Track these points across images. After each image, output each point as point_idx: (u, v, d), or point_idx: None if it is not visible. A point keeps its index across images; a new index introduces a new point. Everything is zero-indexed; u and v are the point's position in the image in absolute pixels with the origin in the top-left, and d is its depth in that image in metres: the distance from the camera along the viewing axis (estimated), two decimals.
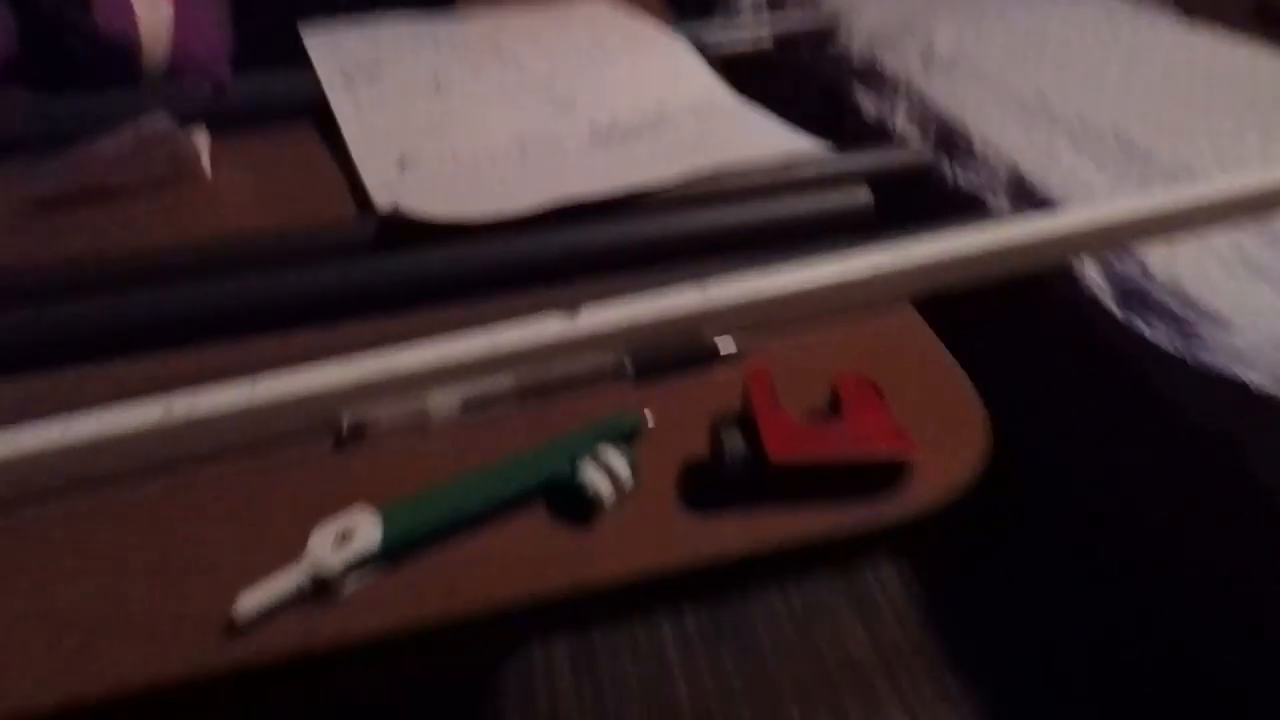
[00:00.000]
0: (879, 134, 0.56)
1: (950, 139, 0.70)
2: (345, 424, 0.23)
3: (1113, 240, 0.34)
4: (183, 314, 0.30)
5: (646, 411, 0.23)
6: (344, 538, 0.20)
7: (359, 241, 0.31)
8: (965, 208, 0.75)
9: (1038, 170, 0.71)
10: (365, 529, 0.20)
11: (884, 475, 0.22)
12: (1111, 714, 0.83)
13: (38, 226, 0.35)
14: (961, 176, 0.77)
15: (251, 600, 0.19)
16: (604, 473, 0.21)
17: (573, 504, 0.21)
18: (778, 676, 0.90)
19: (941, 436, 0.24)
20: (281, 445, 0.23)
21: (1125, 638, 0.91)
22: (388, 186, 0.35)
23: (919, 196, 0.36)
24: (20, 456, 0.21)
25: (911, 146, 0.36)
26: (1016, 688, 0.86)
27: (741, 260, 0.31)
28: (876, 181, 0.34)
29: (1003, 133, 0.69)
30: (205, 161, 0.38)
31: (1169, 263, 0.61)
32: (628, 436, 0.23)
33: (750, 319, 0.26)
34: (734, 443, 0.22)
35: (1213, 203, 0.31)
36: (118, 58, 0.43)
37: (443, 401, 0.24)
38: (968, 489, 0.23)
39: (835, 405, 0.24)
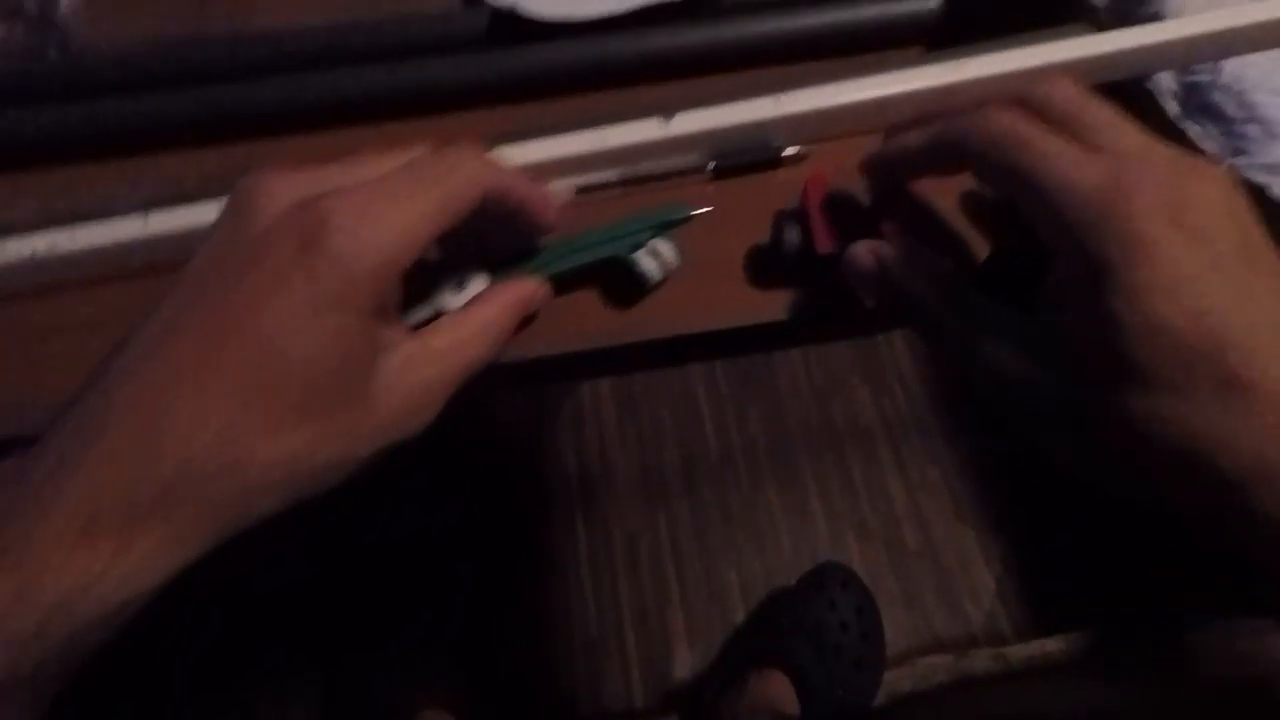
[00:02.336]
0: None
1: None
2: None
3: (1201, 54, 0.35)
4: (313, 99, 0.35)
5: (696, 210, 0.29)
6: (460, 284, 0.26)
7: (472, 33, 0.35)
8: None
9: None
10: (476, 280, 0.26)
11: None
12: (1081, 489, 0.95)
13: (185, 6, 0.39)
14: None
15: (406, 320, 0.25)
16: (653, 256, 0.27)
17: (628, 280, 0.28)
18: (794, 433, 1.03)
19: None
20: None
21: None
22: None
23: None
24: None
25: None
26: (998, 455, 0.98)
27: (812, 64, 0.35)
28: None
29: None
30: None
31: (1240, 66, 0.60)
32: (675, 226, 0.28)
33: (817, 129, 0.31)
34: (791, 234, 0.28)
35: None
36: None
37: (561, 187, 0.30)
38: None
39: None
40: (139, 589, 0.19)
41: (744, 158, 0.31)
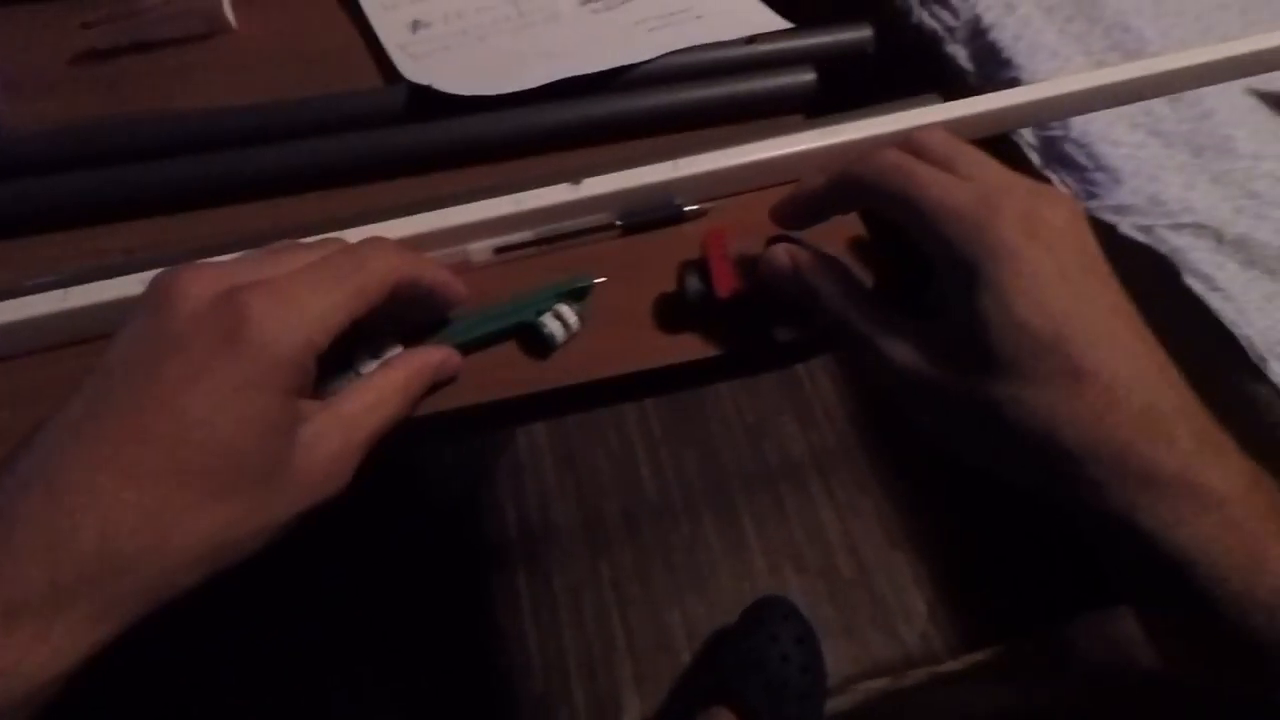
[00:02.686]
0: None
1: None
2: None
3: (1051, 113, 0.40)
4: (239, 173, 0.36)
5: (596, 279, 0.32)
6: (374, 354, 0.28)
7: (392, 109, 0.37)
8: (925, 58, 0.79)
9: (994, 18, 0.75)
10: (391, 350, 0.28)
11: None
12: (1006, 503, 1.01)
13: (89, 77, 0.40)
14: (925, 17, 0.81)
15: (325, 391, 0.26)
16: (557, 318, 0.30)
17: (536, 341, 0.30)
18: (728, 473, 1.06)
19: None
20: None
21: None
22: (403, 47, 0.41)
23: (880, 65, 0.42)
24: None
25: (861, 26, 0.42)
26: (925, 481, 1.03)
27: (706, 131, 0.38)
28: (826, 59, 0.40)
29: None
30: (229, 13, 0.42)
31: (1086, 121, 0.68)
32: (580, 293, 0.31)
33: (713, 188, 0.34)
34: (693, 281, 0.31)
35: (1157, 76, 0.38)
36: None
37: (479, 248, 0.32)
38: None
39: None
40: (60, 669, 0.19)
41: (649, 215, 0.34)
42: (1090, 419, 0.22)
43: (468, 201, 0.32)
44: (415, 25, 0.42)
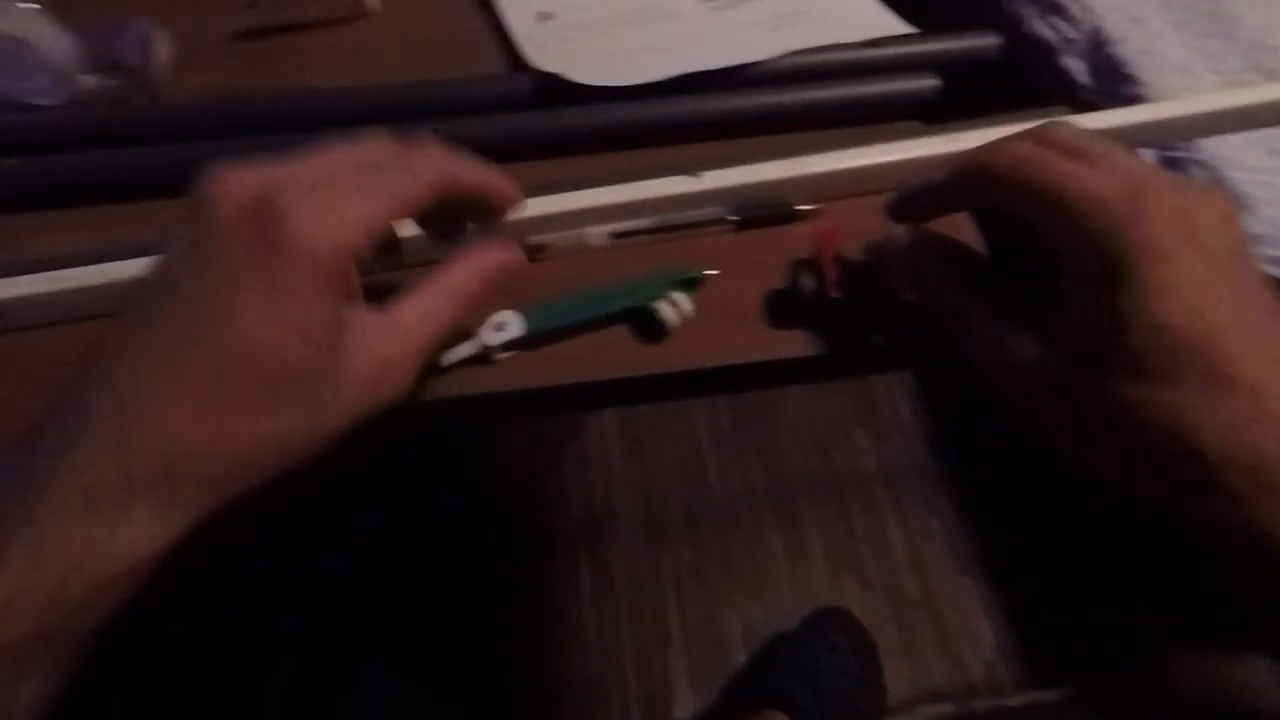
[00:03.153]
0: None
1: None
2: (529, 243, 0.32)
3: (1182, 133, 0.39)
4: None
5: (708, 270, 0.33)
6: (499, 327, 0.30)
7: (517, 95, 0.39)
8: (1043, 74, 0.77)
9: (1118, 31, 0.72)
10: (513, 322, 0.30)
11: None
12: (1083, 539, 0.97)
13: (242, 53, 0.43)
14: (1041, 27, 0.78)
15: (449, 355, 0.29)
16: (671, 305, 0.31)
17: (649, 325, 0.31)
18: (795, 479, 1.05)
19: None
20: None
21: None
22: (531, 37, 0.42)
23: (1000, 75, 0.42)
24: None
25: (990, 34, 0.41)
26: (998, 508, 1.00)
27: (824, 133, 0.38)
28: (946, 66, 0.40)
29: None
30: None
31: (1217, 144, 0.64)
32: (691, 282, 0.32)
33: (829, 189, 0.35)
34: (805, 279, 0.31)
35: None
36: None
37: (597, 232, 0.33)
38: None
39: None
40: (143, 552, 0.20)
41: (762, 211, 0.34)
42: (1232, 426, 0.21)
43: (590, 187, 0.33)
44: (543, 17, 0.44)
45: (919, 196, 0.29)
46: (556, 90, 0.38)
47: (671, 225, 0.34)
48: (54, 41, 0.38)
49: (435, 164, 0.25)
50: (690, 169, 0.34)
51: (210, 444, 0.21)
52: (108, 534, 0.20)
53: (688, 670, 0.88)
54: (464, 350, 0.30)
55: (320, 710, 0.80)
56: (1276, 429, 0.21)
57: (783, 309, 0.32)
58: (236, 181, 0.22)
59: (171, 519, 0.21)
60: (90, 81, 0.39)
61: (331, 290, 0.22)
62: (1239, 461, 0.21)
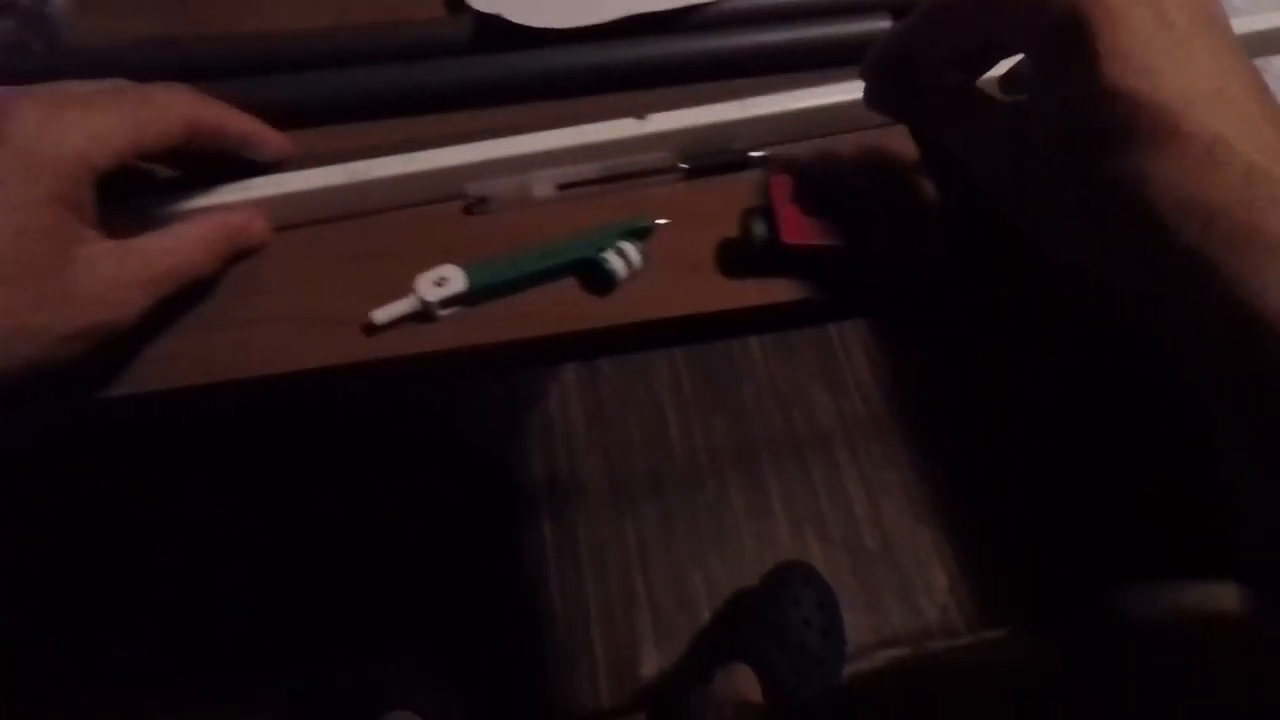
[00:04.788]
0: None
1: None
2: (471, 194, 0.31)
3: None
4: (298, 98, 0.36)
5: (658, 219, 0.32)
6: (439, 282, 0.29)
7: (454, 39, 0.36)
8: None
9: None
10: (455, 277, 0.29)
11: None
12: (1041, 485, 1.00)
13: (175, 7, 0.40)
14: None
15: (381, 313, 0.28)
16: (620, 255, 0.30)
17: (598, 278, 0.30)
18: (756, 439, 1.06)
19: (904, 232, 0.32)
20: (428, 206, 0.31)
21: (1073, 429, 1.06)
22: None
23: None
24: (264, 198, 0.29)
25: None
26: (953, 460, 1.02)
27: (774, 77, 0.37)
28: (903, 7, 0.39)
29: None
30: None
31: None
32: (641, 232, 0.31)
33: (779, 132, 0.34)
34: (758, 226, 0.30)
35: None
36: None
37: (542, 181, 0.32)
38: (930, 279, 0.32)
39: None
40: None
41: (712, 159, 0.33)
42: (1188, 179, 0.21)
43: (532, 131, 0.31)
44: None
45: (888, 43, 0.29)
46: (497, 33, 0.36)
47: (619, 174, 0.32)
48: None
49: (178, 100, 0.26)
50: (637, 114, 0.32)
51: None
52: None
53: (654, 630, 0.89)
54: (401, 307, 0.29)
55: (282, 678, 0.79)
56: (1235, 177, 0.20)
57: (736, 258, 0.31)
58: None
59: None
60: None
61: (57, 197, 0.23)
62: (1193, 214, 0.20)
